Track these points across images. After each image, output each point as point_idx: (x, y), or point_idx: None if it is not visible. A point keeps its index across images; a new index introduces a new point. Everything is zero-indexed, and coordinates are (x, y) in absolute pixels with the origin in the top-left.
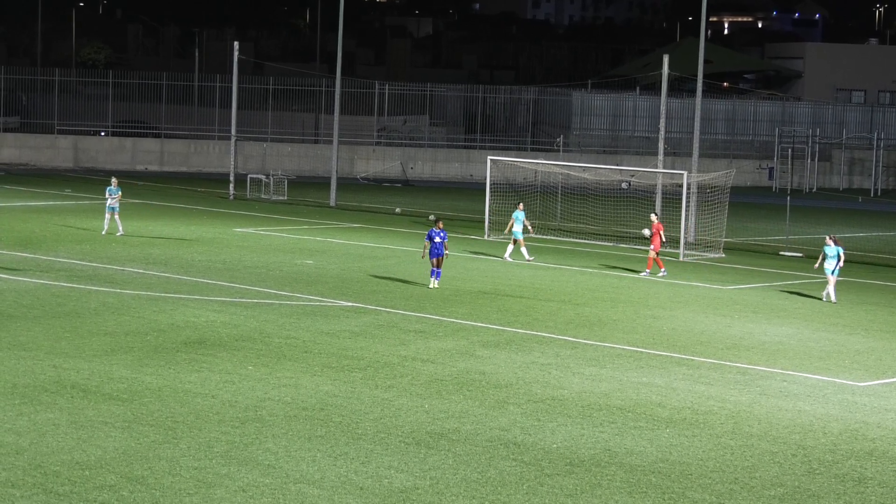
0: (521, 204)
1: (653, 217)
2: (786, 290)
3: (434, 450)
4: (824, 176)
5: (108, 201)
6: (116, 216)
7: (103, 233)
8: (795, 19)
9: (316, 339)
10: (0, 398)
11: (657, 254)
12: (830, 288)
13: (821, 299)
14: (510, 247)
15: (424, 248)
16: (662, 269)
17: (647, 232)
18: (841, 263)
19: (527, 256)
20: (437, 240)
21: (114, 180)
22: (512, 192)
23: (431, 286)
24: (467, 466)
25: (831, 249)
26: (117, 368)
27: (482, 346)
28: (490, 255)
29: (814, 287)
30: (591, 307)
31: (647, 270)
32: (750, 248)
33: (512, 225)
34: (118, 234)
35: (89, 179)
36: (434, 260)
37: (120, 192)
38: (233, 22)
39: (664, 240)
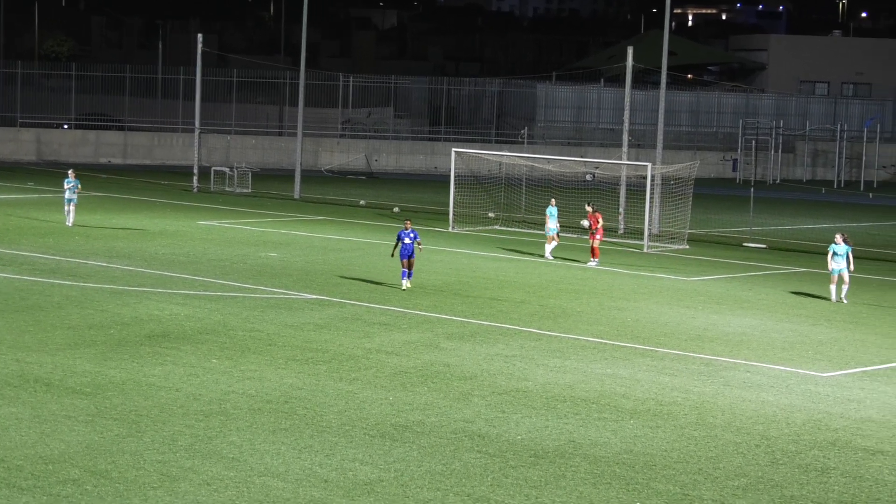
0: (554, 200)
1: (588, 208)
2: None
3: (398, 442)
4: (788, 167)
5: (67, 193)
6: (73, 207)
7: (68, 223)
8: (759, 11)
9: (280, 331)
10: None
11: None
12: (833, 287)
13: (829, 299)
14: (548, 245)
15: (395, 247)
16: (593, 260)
17: (585, 223)
18: (851, 267)
19: (547, 254)
20: (407, 241)
21: (71, 172)
22: (476, 184)
23: (404, 287)
24: (432, 458)
25: (840, 248)
26: (81, 362)
27: (446, 338)
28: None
29: (779, 279)
30: (555, 299)
31: (594, 259)
32: (714, 239)
33: (547, 221)
34: (68, 223)
35: (52, 172)
36: (405, 261)
37: (79, 185)
38: (197, 14)
39: (600, 223)
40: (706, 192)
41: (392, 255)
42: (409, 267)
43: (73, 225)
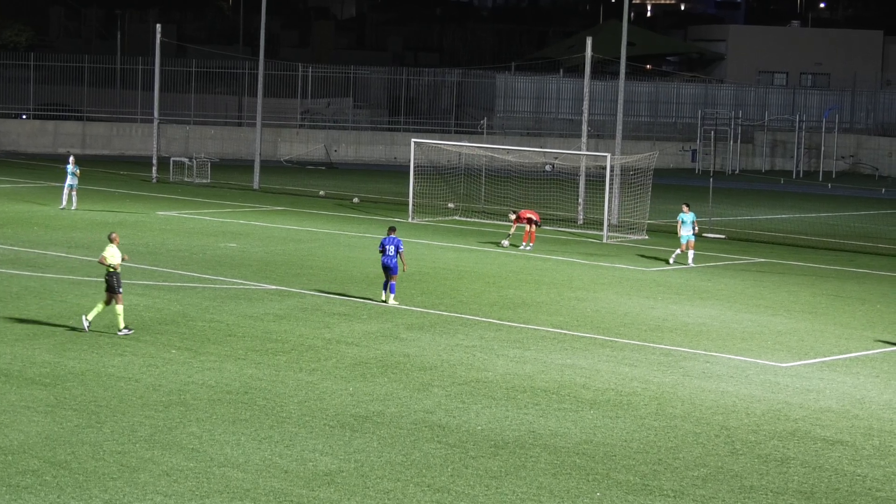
0: (685, 206)
1: (511, 216)
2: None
3: (359, 432)
4: (747, 158)
5: (68, 178)
6: (74, 192)
7: (61, 207)
8: (718, 2)
9: (240, 322)
10: None
11: (525, 228)
12: None
13: None
14: (688, 253)
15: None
16: (521, 242)
17: (505, 243)
18: None
19: (675, 260)
20: (391, 251)
21: (72, 159)
22: (436, 174)
23: (389, 302)
24: (392, 449)
25: None
26: (40, 353)
27: (406, 328)
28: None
29: (738, 269)
30: (514, 289)
31: (522, 243)
32: (673, 229)
33: (679, 228)
34: (73, 208)
35: (10, 163)
36: (385, 271)
37: (78, 170)
38: (155, 4)
39: (537, 220)
40: (665, 182)
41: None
42: (391, 278)
43: (67, 208)
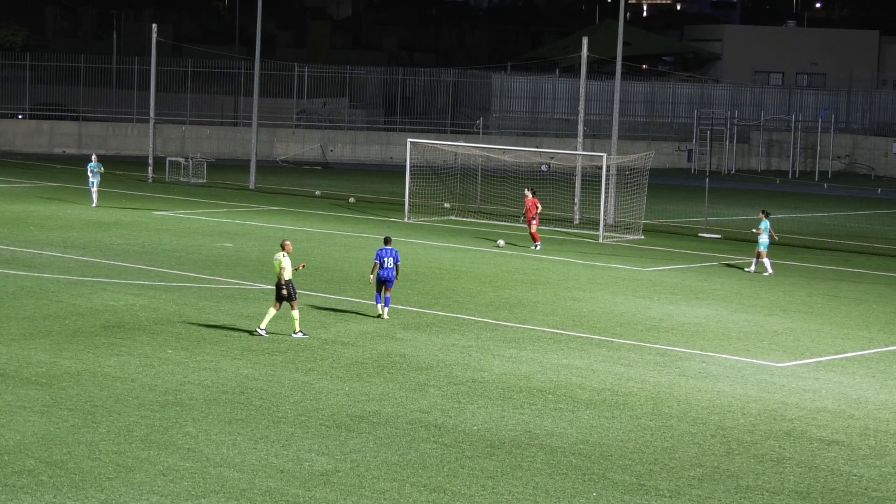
0: (763, 213)
1: (527, 192)
2: None
3: (354, 432)
4: (743, 158)
5: (91, 175)
6: (95, 189)
7: (94, 206)
8: (714, 2)
9: (236, 322)
10: None
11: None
12: None
13: None
14: (756, 259)
15: (373, 268)
16: (537, 244)
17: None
18: None
19: (768, 269)
20: (389, 263)
21: (94, 157)
22: (432, 174)
23: (383, 315)
24: (388, 449)
25: None
26: (36, 352)
27: (402, 328)
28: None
29: (734, 269)
30: (511, 289)
31: (538, 243)
32: (669, 229)
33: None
34: (93, 205)
35: (6, 163)
36: (381, 284)
37: (102, 167)
38: (151, 4)
39: (538, 209)
40: (661, 182)
41: (371, 282)
42: (387, 291)
43: (97, 206)
